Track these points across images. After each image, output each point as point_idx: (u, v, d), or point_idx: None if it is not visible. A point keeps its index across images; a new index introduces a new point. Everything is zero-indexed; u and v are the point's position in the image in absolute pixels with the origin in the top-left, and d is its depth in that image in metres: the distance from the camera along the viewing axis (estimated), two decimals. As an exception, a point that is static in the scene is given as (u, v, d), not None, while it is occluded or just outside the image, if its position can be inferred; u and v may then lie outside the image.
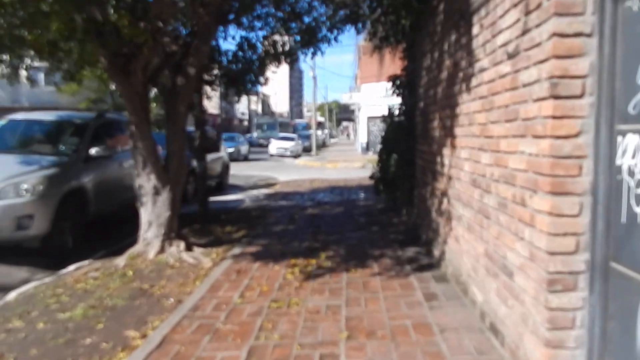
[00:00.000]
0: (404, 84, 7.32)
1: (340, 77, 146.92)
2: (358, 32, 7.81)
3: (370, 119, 27.38)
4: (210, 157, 11.56)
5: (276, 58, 8.15)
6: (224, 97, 8.28)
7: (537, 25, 2.11)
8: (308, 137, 33.23)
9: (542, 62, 2.06)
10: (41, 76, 11.52)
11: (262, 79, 8.69)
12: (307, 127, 51.99)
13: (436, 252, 4.39)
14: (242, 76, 8.30)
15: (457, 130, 3.56)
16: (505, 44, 2.56)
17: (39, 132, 6.48)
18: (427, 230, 4.89)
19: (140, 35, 4.10)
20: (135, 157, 5.03)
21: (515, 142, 2.38)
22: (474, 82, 3.14)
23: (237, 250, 5.19)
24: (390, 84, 7.53)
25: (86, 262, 4.97)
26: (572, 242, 1.96)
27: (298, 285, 3.84)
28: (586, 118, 1.94)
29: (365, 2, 7.27)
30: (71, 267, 4.79)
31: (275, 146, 28.20)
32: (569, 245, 1.96)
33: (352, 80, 40.67)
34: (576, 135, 1.95)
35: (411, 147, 6.11)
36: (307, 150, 30.97)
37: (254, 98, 59.32)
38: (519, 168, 2.32)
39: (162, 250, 5.02)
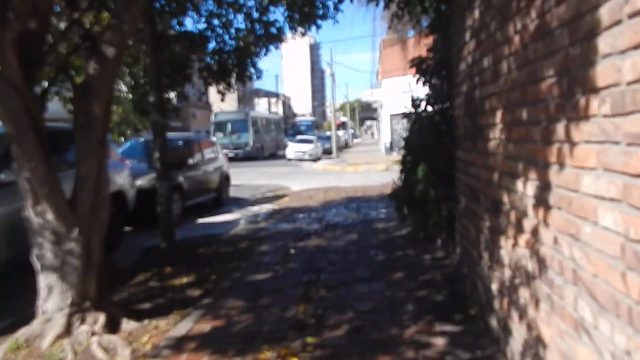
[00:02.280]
0: (433, 68, 5.36)
1: (362, 74, 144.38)
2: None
3: (393, 116, 25.33)
4: (206, 167, 9.90)
5: (268, 39, 6.34)
6: (202, 95, 6.54)
7: None
8: (328, 139, 31.31)
9: None
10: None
11: (252, 71, 6.90)
12: (314, 126, 43.40)
13: (510, 351, 2.42)
14: (225, 69, 6.53)
15: (572, 130, 1.60)
16: None
17: None
18: (485, 300, 2.92)
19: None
20: (22, 187, 3.29)
21: None
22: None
23: (184, 326, 3.36)
24: (414, 70, 5.58)
25: (-41, 348, 3.27)
26: None
27: None
28: None
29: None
30: None
31: (292, 150, 26.51)
32: None
33: (374, 77, 38.47)
34: None
35: (448, 155, 4.14)
36: (327, 152, 29.09)
37: (273, 100, 57.88)
38: None
39: (68, 330, 3.25)
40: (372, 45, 34.14)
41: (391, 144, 26.40)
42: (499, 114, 2.52)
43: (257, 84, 53.28)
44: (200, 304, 3.76)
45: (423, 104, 5.23)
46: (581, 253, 1.52)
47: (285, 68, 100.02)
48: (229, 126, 26.43)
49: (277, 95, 59.45)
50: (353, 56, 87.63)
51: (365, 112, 68.76)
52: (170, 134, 10.61)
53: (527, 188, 2.06)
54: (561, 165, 1.68)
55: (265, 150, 28.45)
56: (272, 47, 6.37)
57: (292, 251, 5.45)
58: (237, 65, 6.46)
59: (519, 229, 2.18)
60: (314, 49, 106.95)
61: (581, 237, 1.52)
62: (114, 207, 6.33)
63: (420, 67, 5.57)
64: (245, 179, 15.83)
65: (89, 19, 3.81)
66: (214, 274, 4.66)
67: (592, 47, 1.42)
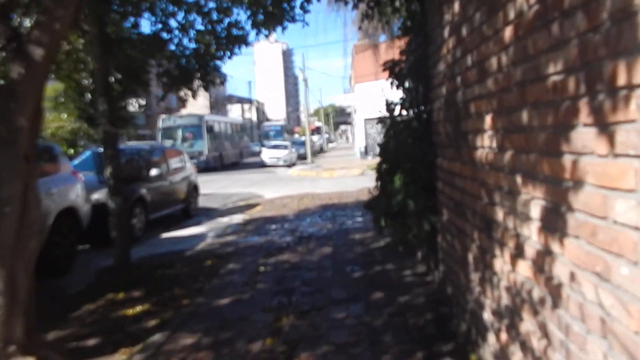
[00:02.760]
0: (407, 70, 5.05)
1: (335, 79, 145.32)
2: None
3: (367, 120, 25.24)
4: (172, 177, 9.33)
5: (230, 41, 5.90)
6: (159, 101, 6.04)
7: None
8: (303, 144, 30.90)
9: None
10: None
11: (214, 77, 6.44)
12: (285, 131, 42.13)
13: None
14: (186, 74, 6.06)
15: (594, 140, 1.26)
16: None
17: None
18: (475, 329, 2.57)
19: None
20: None
21: None
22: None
23: (129, 370, 2.89)
24: (387, 74, 5.26)
25: None
26: None
27: None
28: None
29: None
30: None
31: (267, 155, 26.07)
32: None
33: (347, 82, 38.37)
34: None
35: (427, 163, 3.82)
36: (302, 157, 28.70)
37: (246, 106, 57.16)
38: None
39: (-13, 382, 2.74)
40: (344, 50, 33.88)
41: (366, 148, 26.29)
42: (487, 119, 2.19)
43: (230, 90, 52.55)
44: (152, 340, 3.28)
45: (398, 108, 4.91)
46: (614, 300, 1.17)
47: (258, 74, 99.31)
48: (180, 132, 22.98)
49: (250, 101, 58.74)
50: (328, 61, 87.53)
51: (339, 117, 68.87)
52: (135, 143, 9.99)
53: (528, 207, 1.72)
54: (578, 183, 1.34)
55: (224, 158, 25.34)
56: (236, 50, 5.93)
57: (262, 269, 5.02)
58: (198, 70, 6.00)
59: (519, 254, 1.84)
60: (287, 55, 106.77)
61: (613, 279, 1.18)
62: (65, 225, 5.81)
63: (393, 70, 5.26)
64: (217, 187, 15.26)
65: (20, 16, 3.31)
66: (174, 300, 4.17)
67: (625, 32, 1.08)
